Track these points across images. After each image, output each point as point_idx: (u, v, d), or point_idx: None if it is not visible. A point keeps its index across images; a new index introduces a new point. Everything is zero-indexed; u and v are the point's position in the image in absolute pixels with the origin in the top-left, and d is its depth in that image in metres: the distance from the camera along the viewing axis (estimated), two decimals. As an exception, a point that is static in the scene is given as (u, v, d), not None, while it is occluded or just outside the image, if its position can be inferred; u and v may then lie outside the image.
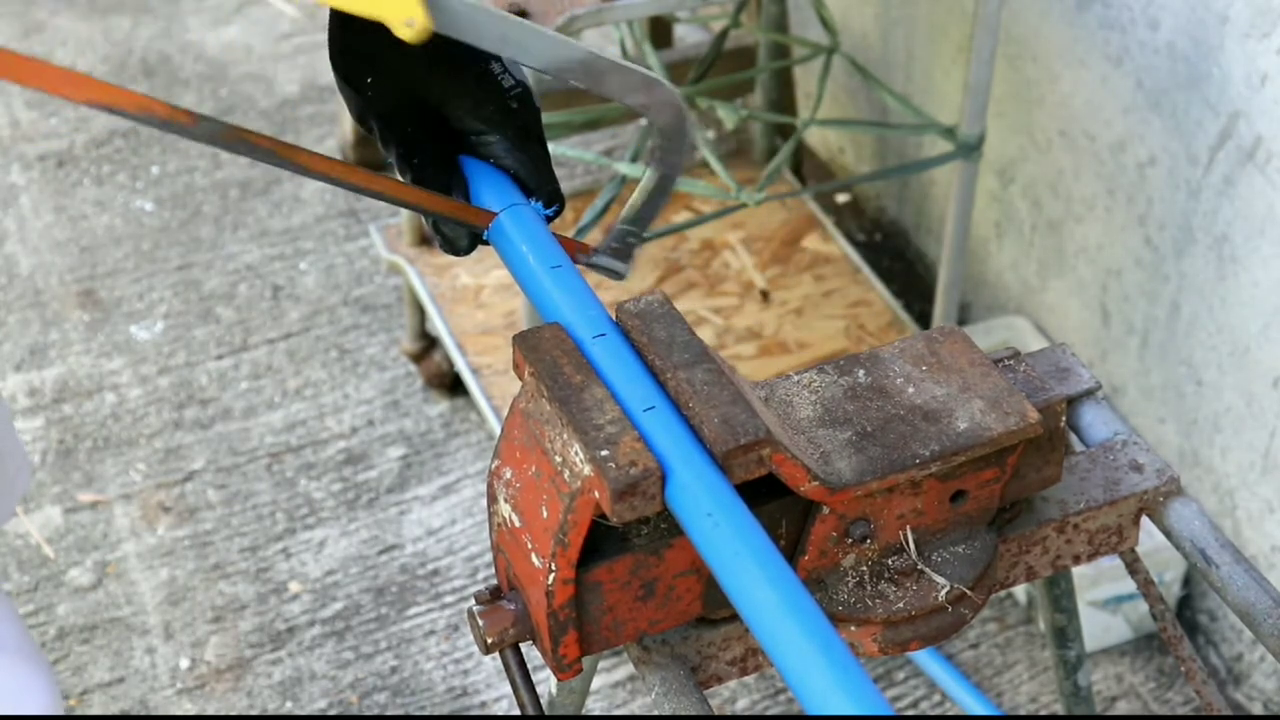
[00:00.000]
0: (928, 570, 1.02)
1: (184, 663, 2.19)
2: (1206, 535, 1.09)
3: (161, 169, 2.98)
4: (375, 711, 2.14)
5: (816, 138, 2.96)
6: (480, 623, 0.99)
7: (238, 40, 3.27)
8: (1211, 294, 1.99)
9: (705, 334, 2.35)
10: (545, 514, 0.93)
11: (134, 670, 2.19)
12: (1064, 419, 1.07)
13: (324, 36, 1.06)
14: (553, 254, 1.03)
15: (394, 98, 1.05)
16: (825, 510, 0.98)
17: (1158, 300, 2.10)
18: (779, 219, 2.55)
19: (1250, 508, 2.03)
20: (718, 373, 0.94)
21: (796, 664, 0.83)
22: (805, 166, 2.89)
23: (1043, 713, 2.12)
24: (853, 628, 1.01)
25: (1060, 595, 1.30)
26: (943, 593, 1.01)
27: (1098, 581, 2.09)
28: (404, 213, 2.49)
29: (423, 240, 2.48)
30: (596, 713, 2.14)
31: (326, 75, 3.14)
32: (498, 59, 1.05)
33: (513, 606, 0.99)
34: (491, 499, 0.99)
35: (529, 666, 1.02)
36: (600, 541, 0.95)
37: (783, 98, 2.67)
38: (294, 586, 2.29)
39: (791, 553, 1.00)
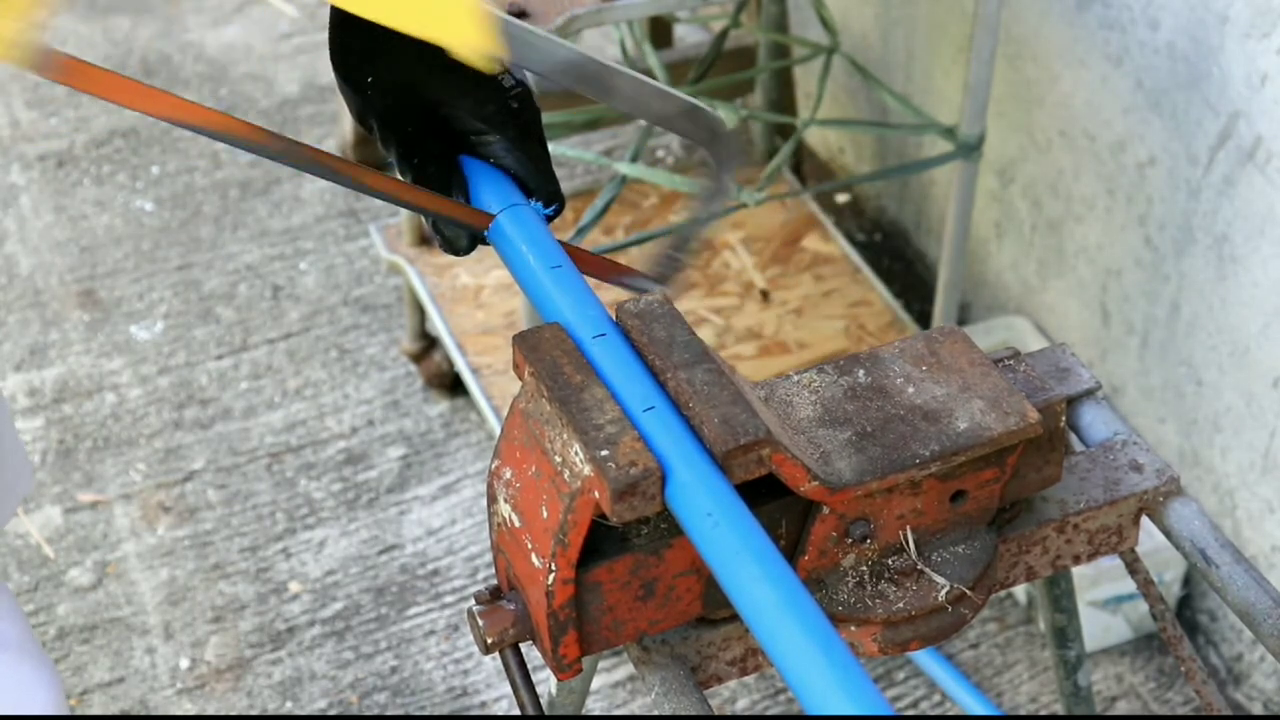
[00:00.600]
0: (928, 570, 1.02)
1: (184, 663, 2.19)
2: (1206, 535, 1.09)
3: (161, 169, 2.98)
4: (375, 711, 2.14)
5: (816, 138, 2.96)
6: (480, 623, 0.99)
7: (238, 40, 3.27)
8: (1211, 294, 1.99)
9: (705, 334, 2.35)
10: (545, 514, 0.93)
11: (134, 670, 2.19)
12: (1064, 419, 1.07)
13: (324, 36, 1.06)
14: (553, 254, 1.03)
15: (394, 97, 1.05)
16: (825, 510, 0.98)
17: (1158, 300, 2.10)
18: (779, 219, 2.55)
19: (1250, 508, 2.03)
20: (718, 373, 0.94)
21: (796, 664, 0.83)
22: (805, 166, 2.89)
23: (1043, 713, 2.12)
24: (853, 628, 1.01)
25: (1060, 595, 1.30)
26: (943, 593, 1.01)
27: (1098, 581, 2.09)
28: (404, 213, 2.49)
29: (423, 240, 2.48)
30: (596, 713, 2.14)
31: (327, 75, 3.14)
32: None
33: (513, 606, 0.99)
34: (491, 499, 0.99)
35: (529, 666, 1.02)
36: (600, 541, 0.95)
37: (783, 98, 2.67)
38: (294, 586, 2.29)
39: (791, 553, 1.00)
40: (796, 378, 1.04)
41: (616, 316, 0.99)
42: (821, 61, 2.19)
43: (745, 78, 2.55)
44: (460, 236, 1.06)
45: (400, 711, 2.14)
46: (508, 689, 2.16)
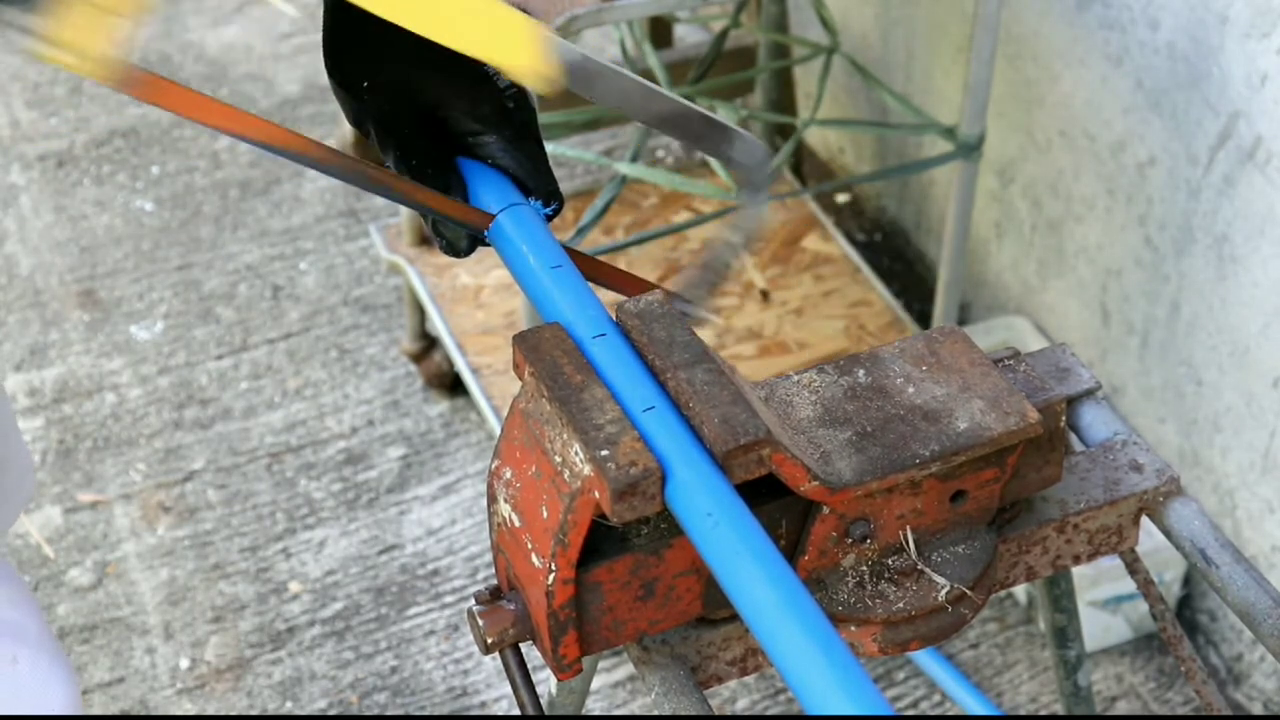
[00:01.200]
0: (928, 570, 1.02)
1: (184, 663, 2.19)
2: (1206, 535, 1.09)
3: (161, 169, 2.98)
4: (375, 711, 2.14)
5: (816, 138, 2.96)
6: (480, 623, 0.99)
7: (238, 40, 3.27)
8: (1211, 294, 1.99)
9: (705, 334, 2.35)
10: (545, 514, 0.93)
11: (134, 670, 2.19)
12: (1064, 419, 1.07)
13: (323, 38, 1.06)
14: (553, 254, 1.03)
15: (390, 101, 1.05)
16: (825, 510, 0.98)
17: (1158, 300, 2.10)
18: (779, 219, 2.55)
19: (1250, 508, 2.03)
20: (718, 373, 0.94)
21: (796, 664, 0.83)
22: (805, 166, 2.89)
23: (1043, 713, 2.12)
24: (853, 628, 1.01)
25: (1060, 595, 1.30)
26: (943, 593, 1.01)
27: (1098, 581, 2.09)
28: (404, 213, 2.50)
29: (423, 240, 2.48)
30: (596, 713, 2.14)
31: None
32: None
33: (513, 606, 0.99)
34: (491, 499, 0.99)
35: (529, 666, 1.02)
36: (600, 541, 0.95)
37: (783, 98, 2.67)
38: (294, 586, 2.29)
39: (791, 553, 1.00)
40: (796, 378, 1.04)
41: (616, 316, 0.99)
42: (821, 61, 2.19)
43: (745, 78, 2.55)
44: (461, 238, 1.06)
45: (400, 711, 2.14)
46: (508, 689, 2.16)
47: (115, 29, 0.87)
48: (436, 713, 2.14)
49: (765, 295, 2.42)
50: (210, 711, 2.14)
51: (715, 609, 1.01)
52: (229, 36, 3.28)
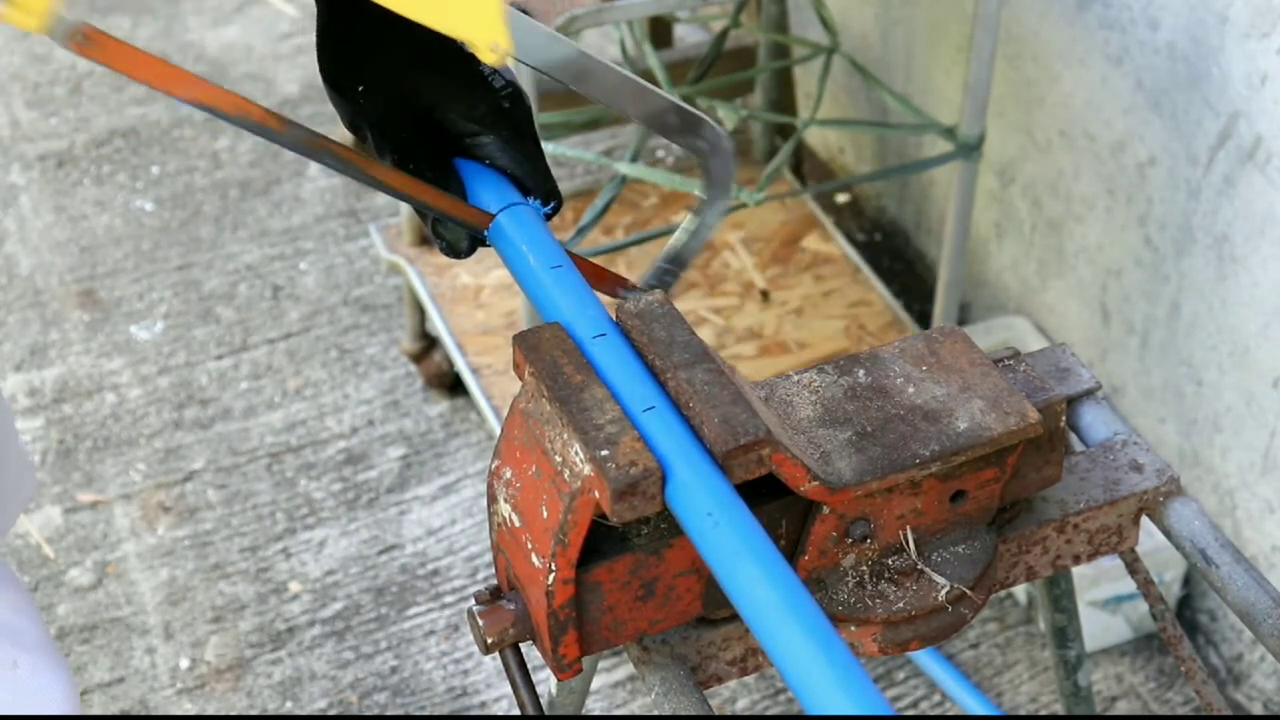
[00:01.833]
0: (928, 570, 1.02)
1: (184, 663, 2.19)
2: (1206, 535, 1.09)
3: (161, 169, 2.98)
4: (375, 711, 2.14)
5: (816, 138, 2.96)
6: (480, 623, 0.99)
7: (238, 40, 3.27)
8: (1211, 294, 1.99)
9: (705, 334, 2.35)
10: (545, 514, 0.93)
11: (134, 670, 2.19)
12: (1064, 419, 1.07)
13: (323, 38, 1.06)
14: (553, 254, 1.03)
15: (385, 104, 1.05)
16: (825, 510, 0.98)
17: (1158, 300, 2.10)
18: (779, 219, 2.55)
19: (1250, 508, 2.03)
20: (718, 373, 0.94)
21: (796, 664, 0.83)
22: (805, 166, 2.89)
23: (1043, 713, 2.12)
24: (853, 628, 1.01)
25: (1060, 595, 1.30)
26: (943, 593, 1.01)
27: (1098, 581, 2.09)
28: (404, 212, 2.49)
29: (423, 240, 2.48)
30: (596, 713, 2.14)
31: (326, 75, 3.13)
32: None
33: (513, 606, 0.99)
34: (491, 499, 0.99)
35: (529, 666, 1.02)
36: (600, 541, 0.95)
37: (783, 98, 2.67)
38: (294, 586, 2.29)
39: (791, 553, 1.00)
40: (796, 378, 1.04)
41: (616, 316, 0.99)
42: (821, 61, 2.19)
43: (745, 78, 2.55)
44: (461, 239, 1.06)
45: (400, 711, 2.14)
46: (508, 689, 2.16)
47: None
48: (436, 713, 2.14)
49: (765, 295, 2.42)
50: (210, 711, 2.14)
51: (715, 609, 1.01)
52: (229, 36, 3.28)
